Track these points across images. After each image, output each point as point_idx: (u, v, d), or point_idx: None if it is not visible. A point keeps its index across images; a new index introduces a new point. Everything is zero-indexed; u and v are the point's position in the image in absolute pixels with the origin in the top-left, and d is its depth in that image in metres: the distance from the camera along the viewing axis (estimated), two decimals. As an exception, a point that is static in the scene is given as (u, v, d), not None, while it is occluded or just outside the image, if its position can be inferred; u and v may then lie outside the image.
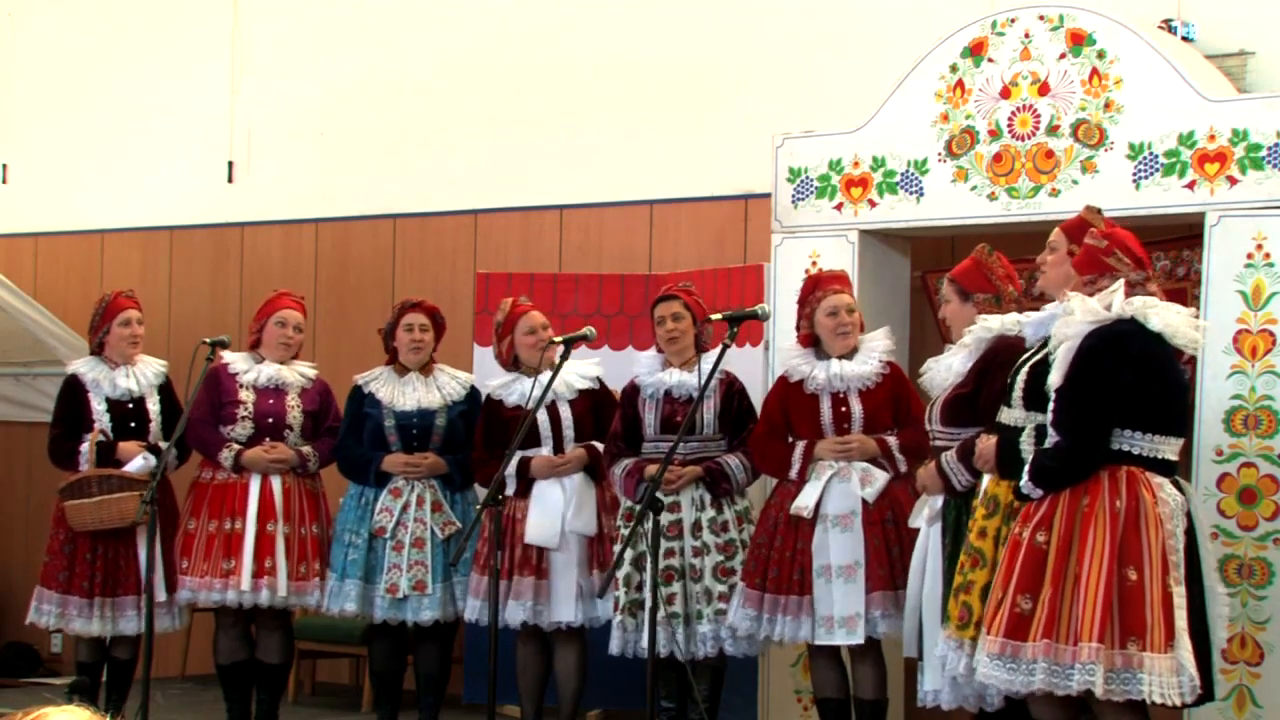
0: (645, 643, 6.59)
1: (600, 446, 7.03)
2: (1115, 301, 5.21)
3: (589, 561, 7.00)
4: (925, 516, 6.01)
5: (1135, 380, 5.16)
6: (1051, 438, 5.25)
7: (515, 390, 7.10)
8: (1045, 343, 5.53)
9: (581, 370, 7.16)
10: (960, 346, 5.99)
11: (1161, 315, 5.20)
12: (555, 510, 6.96)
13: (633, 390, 6.99)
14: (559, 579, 6.93)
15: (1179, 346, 5.27)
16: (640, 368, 7.02)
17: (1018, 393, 5.49)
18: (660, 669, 6.61)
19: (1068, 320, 5.26)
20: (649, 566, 6.07)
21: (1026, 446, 5.36)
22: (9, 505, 10.25)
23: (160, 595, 7.26)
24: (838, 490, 6.42)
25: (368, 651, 7.73)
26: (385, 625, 7.22)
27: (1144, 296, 5.24)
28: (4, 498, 10.32)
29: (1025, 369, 5.51)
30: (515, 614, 6.91)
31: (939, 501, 5.96)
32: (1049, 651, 5.05)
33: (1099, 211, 5.66)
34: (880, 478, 6.40)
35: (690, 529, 6.76)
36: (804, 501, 6.42)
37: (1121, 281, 5.23)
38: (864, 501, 6.38)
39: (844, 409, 6.50)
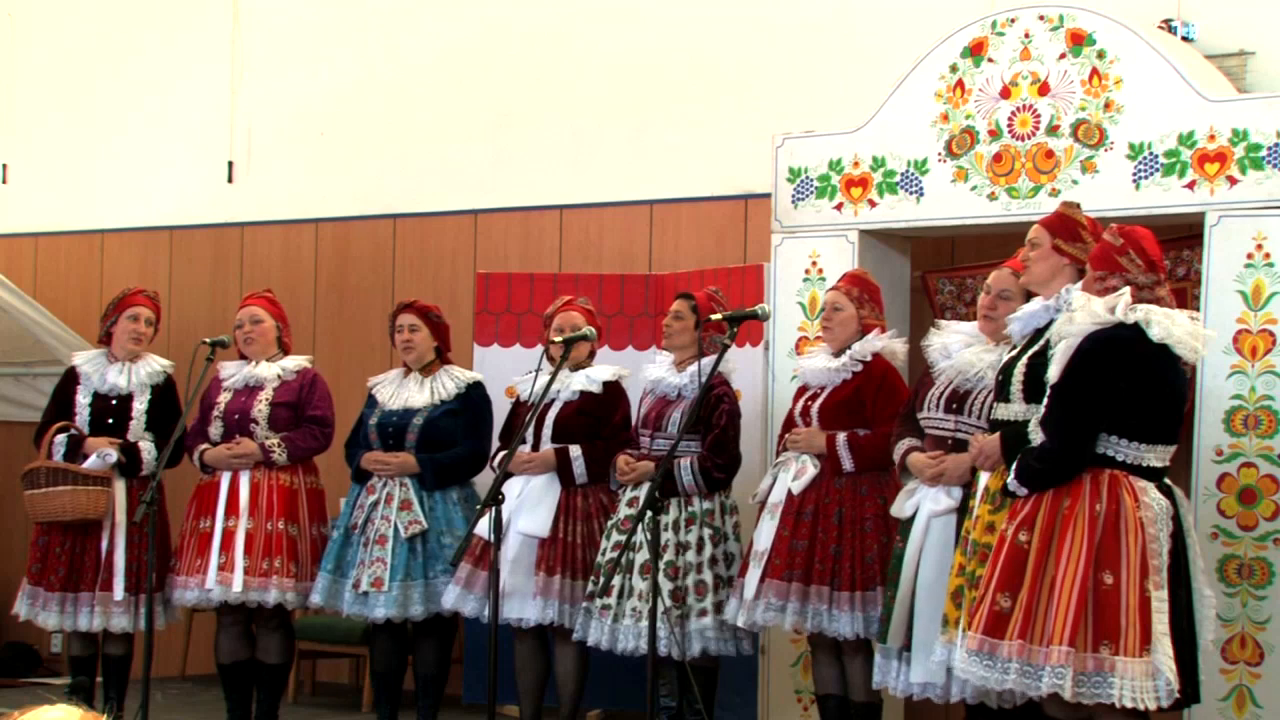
0: (604, 639, 6.71)
1: (575, 451, 7.02)
2: (1119, 306, 5.16)
3: (538, 563, 6.95)
4: (928, 507, 5.93)
5: (1129, 388, 5.13)
6: (1037, 436, 5.24)
7: (527, 385, 7.12)
8: (1034, 336, 5.54)
9: (594, 373, 7.16)
10: (1005, 340, 5.90)
11: (1163, 325, 5.14)
12: (528, 504, 7.00)
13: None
14: (506, 576, 6.86)
15: (1179, 355, 5.23)
16: (653, 364, 7.10)
17: (1016, 387, 5.48)
18: (660, 668, 6.62)
19: (1069, 318, 5.25)
20: (651, 566, 6.10)
21: (1036, 437, 5.28)
22: (9, 505, 10.23)
23: (119, 594, 7.34)
24: (780, 480, 6.53)
25: (368, 651, 7.72)
26: (386, 625, 7.22)
27: (1148, 305, 5.18)
28: (4, 498, 10.32)
29: (1022, 363, 5.49)
30: (466, 604, 7.01)
31: (955, 493, 5.88)
32: (1023, 652, 5.06)
33: (1077, 206, 5.67)
34: (810, 471, 6.44)
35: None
36: (759, 490, 6.61)
37: (1128, 288, 5.18)
38: (790, 492, 6.45)
39: (809, 403, 6.57)
